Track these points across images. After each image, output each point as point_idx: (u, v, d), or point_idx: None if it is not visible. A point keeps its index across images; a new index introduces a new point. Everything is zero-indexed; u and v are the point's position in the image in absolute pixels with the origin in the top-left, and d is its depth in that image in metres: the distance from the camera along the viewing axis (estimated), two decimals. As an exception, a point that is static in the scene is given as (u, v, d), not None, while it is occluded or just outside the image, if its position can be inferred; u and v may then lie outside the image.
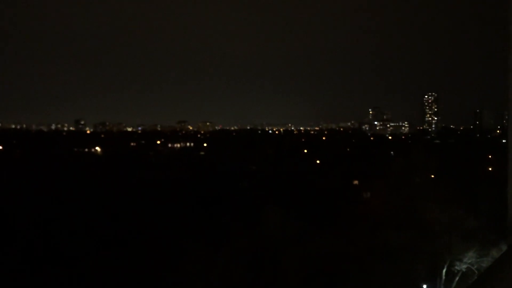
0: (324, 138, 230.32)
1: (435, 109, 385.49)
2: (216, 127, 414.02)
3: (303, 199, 50.30)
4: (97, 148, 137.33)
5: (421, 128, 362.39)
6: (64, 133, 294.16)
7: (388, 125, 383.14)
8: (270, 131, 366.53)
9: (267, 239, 32.91)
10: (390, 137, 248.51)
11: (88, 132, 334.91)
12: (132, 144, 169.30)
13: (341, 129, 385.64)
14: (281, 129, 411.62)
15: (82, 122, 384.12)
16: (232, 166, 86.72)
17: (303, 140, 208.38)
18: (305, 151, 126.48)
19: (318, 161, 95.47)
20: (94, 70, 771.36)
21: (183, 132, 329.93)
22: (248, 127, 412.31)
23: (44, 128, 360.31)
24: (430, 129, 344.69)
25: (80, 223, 42.78)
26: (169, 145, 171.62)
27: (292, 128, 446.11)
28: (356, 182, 65.77)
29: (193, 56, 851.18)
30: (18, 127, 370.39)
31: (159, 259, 32.10)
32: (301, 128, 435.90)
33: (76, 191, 58.52)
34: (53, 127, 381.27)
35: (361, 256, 28.48)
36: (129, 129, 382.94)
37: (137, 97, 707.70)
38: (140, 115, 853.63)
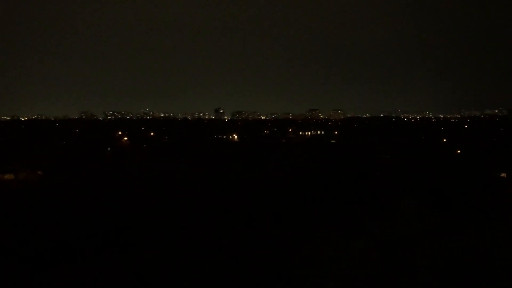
0: (466, 126, 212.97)
1: None
2: (348, 115, 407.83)
3: (441, 191, 47.73)
4: (234, 135, 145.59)
5: None
6: (205, 121, 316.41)
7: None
8: (405, 119, 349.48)
9: (401, 230, 32.12)
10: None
11: (226, 120, 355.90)
12: (265, 131, 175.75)
13: (487, 117, 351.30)
14: (418, 117, 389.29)
15: (221, 111, 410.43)
16: (364, 154, 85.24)
17: (442, 128, 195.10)
18: (444, 140, 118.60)
19: (458, 151, 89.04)
20: (232, 63, 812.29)
21: (314, 120, 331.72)
22: (382, 115, 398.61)
23: (188, 117, 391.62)
24: None
25: (230, 201, 46.17)
26: (300, 132, 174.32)
27: (430, 116, 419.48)
28: (503, 175, 60.13)
29: (324, 45, 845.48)
30: (166, 115, 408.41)
31: (290, 240, 33.46)
32: (440, 116, 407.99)
33: (219, 174, 63.21)
34: (196, 115, 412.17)
35: (508, 257, 26.72)
36: (263, 117, 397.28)
37: (271, 87, 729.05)
38: (273, 104, 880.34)
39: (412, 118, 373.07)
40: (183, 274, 27.59)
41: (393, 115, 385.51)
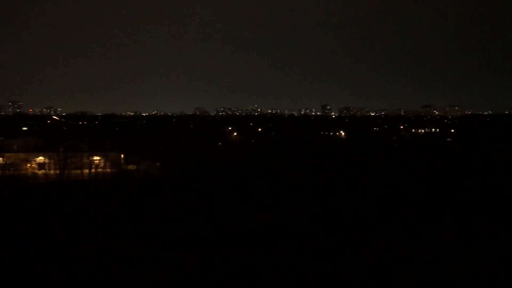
0: None
1: None
2: (466, 112, 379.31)
3: None
4: (341, 132, 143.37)
5: None
6: (312, 117, 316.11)
7: None
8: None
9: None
10: None
11: (333, 116, 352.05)
12: (375, 128, 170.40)
13: None
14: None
15: (328, 107, 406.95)
16: (485, 155, 78.74)
17: None
18: None
19: None
20: (340, 58, 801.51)
21: (428, 117, 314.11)
22: (506, 112, 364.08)
23: (295, 113, 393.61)
24: None
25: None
26: (413, 130, 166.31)
27: None
28: None
29: (439, 36, 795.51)
30: (273, 111, 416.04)
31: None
32: None
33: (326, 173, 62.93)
34: (302, 111, 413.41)
35: None
36: (372, 114, 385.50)
37: (380, 82, 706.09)
38: (383, 100, 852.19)
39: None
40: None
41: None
